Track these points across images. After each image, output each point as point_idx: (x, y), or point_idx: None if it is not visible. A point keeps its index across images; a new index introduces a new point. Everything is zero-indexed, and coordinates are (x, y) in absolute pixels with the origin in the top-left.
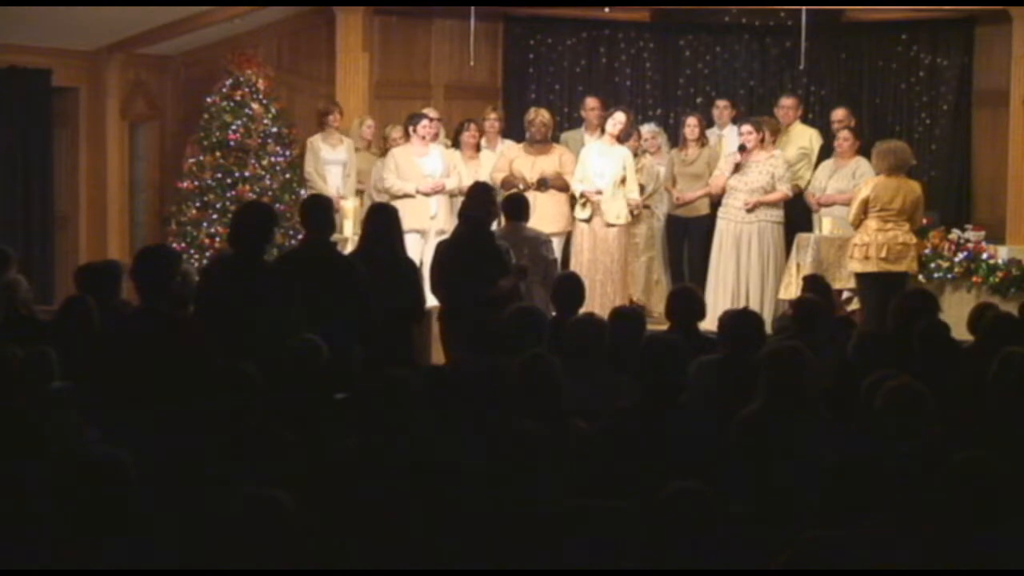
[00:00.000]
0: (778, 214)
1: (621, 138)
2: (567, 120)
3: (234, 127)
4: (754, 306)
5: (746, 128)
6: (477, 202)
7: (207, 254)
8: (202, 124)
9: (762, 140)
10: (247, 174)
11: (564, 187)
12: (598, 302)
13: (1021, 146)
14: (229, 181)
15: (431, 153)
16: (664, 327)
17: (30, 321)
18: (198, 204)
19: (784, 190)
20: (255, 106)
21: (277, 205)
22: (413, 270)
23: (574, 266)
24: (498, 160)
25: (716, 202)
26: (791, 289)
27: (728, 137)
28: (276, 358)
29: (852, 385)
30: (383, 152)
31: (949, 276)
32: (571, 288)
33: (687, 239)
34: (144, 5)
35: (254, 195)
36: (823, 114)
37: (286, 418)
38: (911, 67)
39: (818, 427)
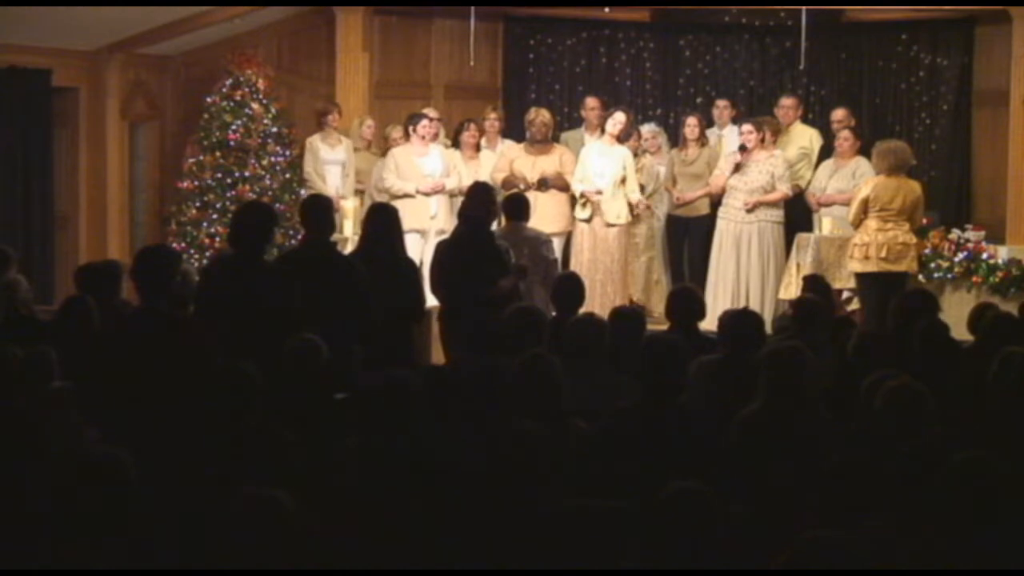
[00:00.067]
0: (778, 214)
1: (621, 138)
2: (567, 120)
3: (234, 127)
4: (754, 306)
5: (746, 128)
6: (477, 202)
7: (207, 254)
8: (202, 124)
9: (762, 140)
10: (247, 174)
11: (565, 187)
12: (598, 302)
13: (1021, 146)
14: (229, 181)
15: (431, 153)
16: (664, 327)
17: (30, 321)
18: (198, 204)
19: (784, 190)
20: (255, 106)
21: (277, 205)
22: (413, 270)
23: (574, 266)
24: (498, 160)
25: (716, 202)
26: (791, 289)
27: (728, 137)
28: (276, 358)
29: (852, 385)
30: (384, 152)
31: (949, 276)
32: (571, 288)
33: (687, 239)
34: (144, 5)
35: (254, 195)
36: (823, 114)
37: (286, 418)
38: (911, 67)
39: (818, 427)
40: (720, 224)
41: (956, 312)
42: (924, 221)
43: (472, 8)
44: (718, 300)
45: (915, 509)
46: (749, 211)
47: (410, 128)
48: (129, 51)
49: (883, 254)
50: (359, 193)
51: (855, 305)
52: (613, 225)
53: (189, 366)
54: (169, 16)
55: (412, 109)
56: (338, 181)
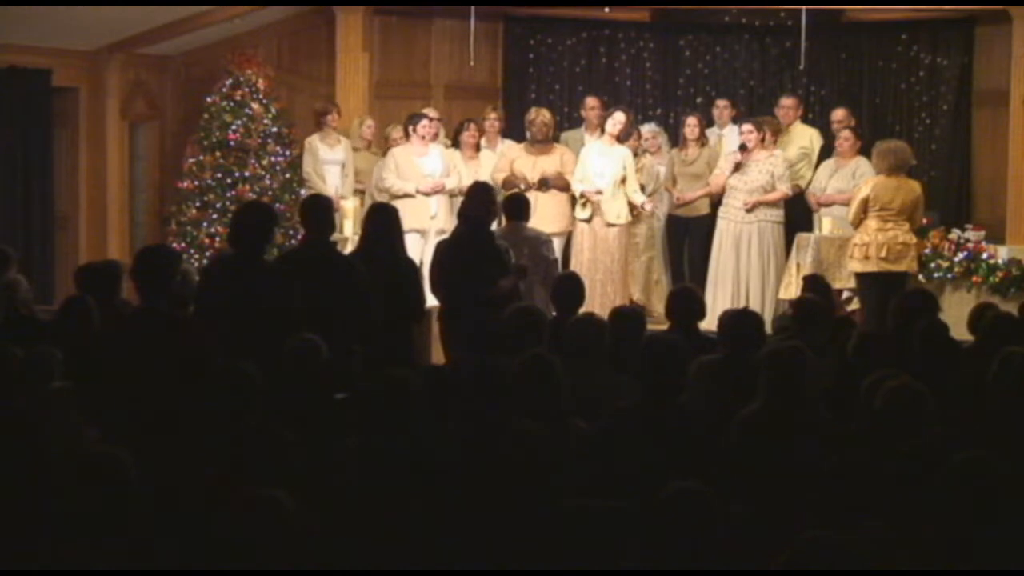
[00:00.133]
0: (778, 214)
1: (621, 138)
2: (567, 120)
3: (234, 127)
4: (754, 306)
5: (747, 127)
6: (477, 202)
7: (207, 254)
8: (202, 124)
9: (763, 140)
10: (247, 174)
11: (565, 187)
12: (598, 302)
13: (1021, 146)
14: (229, 181)
15: (431, 153)
16: (664, 327)
17: (30, 321)
18: (198, 204)
19: (784, 189)
20: (255, 106)
21: (277, 205)
22: (413, 270)
23: (574, 266)
24: (499, 160)
25: (716, 202)
26: (791, 289)
27: (728, 137)
28: (276, 358)
29: (852, 385)
30: (384, 152)
31: (949, 276)
32: (571, 288)
33: (687, 239)
34: (144, 5)
35: (254, 195)
36: (823, 114)
37: (286, 418)
38: (911, 67)
39: (818, 427)
40: (720, 224)
41: (956, 312)
42: (924, 221)
43: (472, 8)
44: (718, 300)
45: (915, 509)
46: (749, 211)
47: (410, 128)
48: (129, 51)
49: (883, 254)
50: (359, 193)
51: (855, 305)
52: (613, 225)
53: (189, 366)
54: (169, 16)
55: (412, 109)
56: (337, 181)
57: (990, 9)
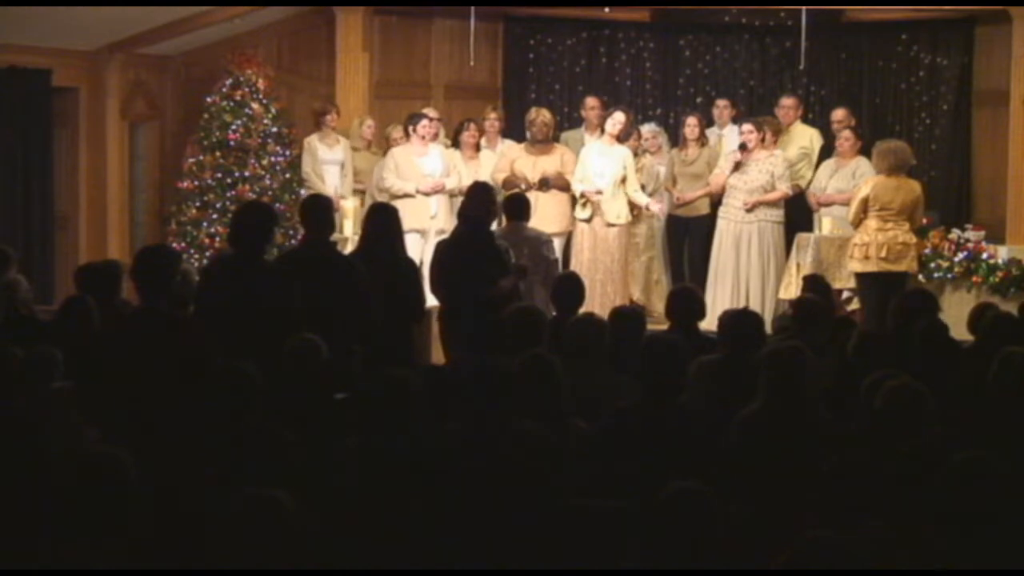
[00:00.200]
0: (778, 214)
1: (621, 138)
2: (567, 120)
3: (234, 127)
4: (754, 306)
5: (747, 127)
6: (477, 202)
7: (207, 254)
8: (202, 124)
9: (763, 140)
10: (247, 174)
11: (566, 187)
12: (598, 302)
13: (1021, 146)
14: (229, 181)
15: (431, 153)
16: (664, 327)
17: (30, 321)
18: (198, 204)
19: (784, 189)
20: (255, 106)
21: (277, 205)
22: (413, 270)
23: (574, 266)
24: (499, 160)
25: (716, 202)
26: (791, 289)
27: (728, 137)
28: (276, 358)
29: (852, 385)
30: (384, 152)
31: (949, 276)
32: (571, 288)
33: (687, 239)
34: (144, 5)
35: (254, 195)
36: (823, 114)
37: (286, 418)
38: (911, 67)
39: (818, 427)
40: (720, 224)
41: (956, 312)
42: (924, 221)
43: (472, 8)
44: (718, 300)
45: (915, 509)
46: (749, 211)
47: (410, 128)
48: (129, 51)
49: (883, 254)
50: (359, 193)
51: (855, 305)
52: (613, 225)
53: (189, 366)
54: (169, 16)
55: (412, 109)
56: (336, 181)
57: (990, 9)
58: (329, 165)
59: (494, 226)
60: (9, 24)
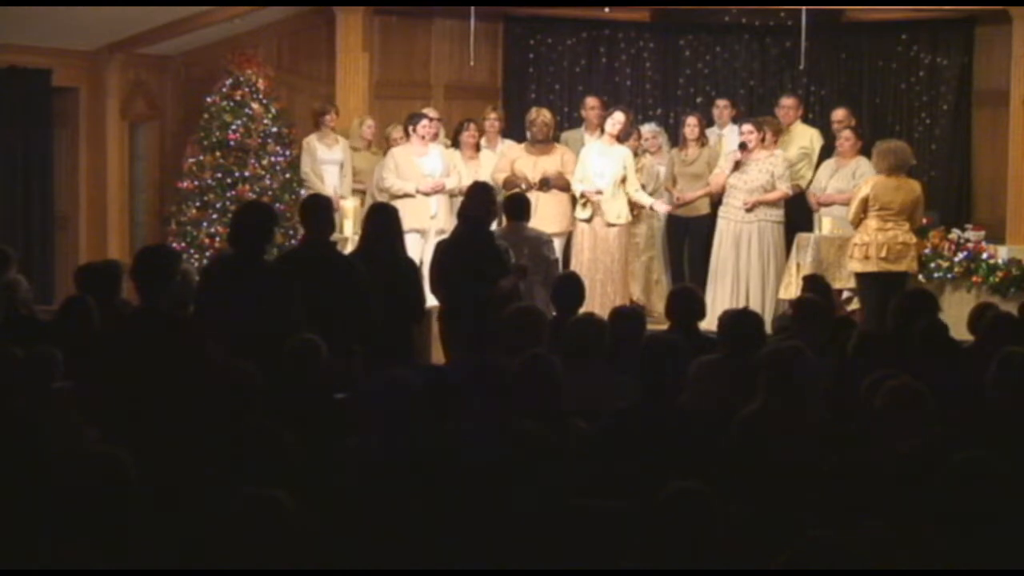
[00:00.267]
0: (778, 214)
1: (621, 138)
2: (567, 120)
3: (234, 127)
4: (754, 306)
5: (747, 127)
6: (477, 202)
7: (207, 254)
8: (202, 124)
9: (763, 139)
10: (247, 174)
11: (566, 187)
12: (598, 302)
13: (1021, 146)
14: (229, 181)
15: (431, 153)
16: (664, 327)
17: (30, 321)
18: (198, 204)
19: (784, 189)
20: (255, 106)
21: (277, 205)
22: (413, 270)
23: (574, 266)
24: (499, 160)
25: (716, 201)
26: (791, 289)
27: (728, 137)
28: (276, 358)
29: (852, 385)
30: (384, 152)
31: (949, 276)
32: (571, 288)
33: (687, 239)
34: (144, 5)
35: (254, 195)
36: (823, 114)
37: (286, 418)
38: (911, 67)
39: (818, 427)
40: (720, 224)
41: (956, 312)
42: (924, 221)
43: (472, 8)
44: (718, 300)
45: (915, 509)
46: (749, 210)
47: (410, 128)
48: (129, 51)
49: (883, 254)
50: (359, 193)
51: (855, 305)
52: (613, 225)
53: (189, 366)
54: (169, 16)
55: (412, 109)
56: (336, 181)
57: (990, 9)
58: (328, 165)
59: (494, 226)
60: (9, 24)
